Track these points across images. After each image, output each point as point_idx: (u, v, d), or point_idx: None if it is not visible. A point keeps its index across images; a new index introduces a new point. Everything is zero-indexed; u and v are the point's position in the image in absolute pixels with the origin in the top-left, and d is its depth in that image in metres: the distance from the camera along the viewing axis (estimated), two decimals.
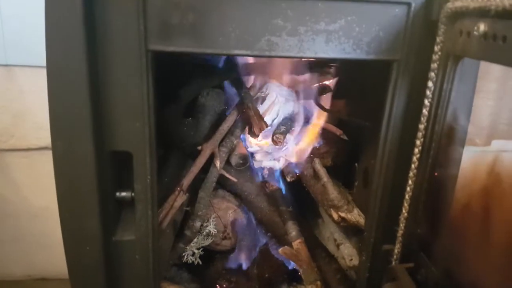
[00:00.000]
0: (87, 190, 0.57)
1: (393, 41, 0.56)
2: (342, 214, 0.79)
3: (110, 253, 0.62)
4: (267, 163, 0.92)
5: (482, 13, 0.39)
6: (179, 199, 0.77)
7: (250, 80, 0.93)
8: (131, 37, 0.52)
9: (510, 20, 0.36)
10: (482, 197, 0.75)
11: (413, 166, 0.57)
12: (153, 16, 0.51)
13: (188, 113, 0.89)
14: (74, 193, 0.57)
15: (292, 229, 0.84)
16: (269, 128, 0.84)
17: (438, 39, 0.51)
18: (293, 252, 0.81)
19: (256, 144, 0.89)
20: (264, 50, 0.55)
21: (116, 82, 0.54)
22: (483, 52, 0.41)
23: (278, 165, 0.93)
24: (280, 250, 0.81)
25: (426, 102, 0.54)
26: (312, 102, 0.92)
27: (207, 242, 0.86)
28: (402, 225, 0.59)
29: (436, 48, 0.51)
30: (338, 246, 0.88)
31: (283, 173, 0.96)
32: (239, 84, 0.90)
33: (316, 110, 0.90)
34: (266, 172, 0.95)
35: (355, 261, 0.80)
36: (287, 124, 0.87)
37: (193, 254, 0.85)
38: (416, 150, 0.56)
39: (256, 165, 0.93)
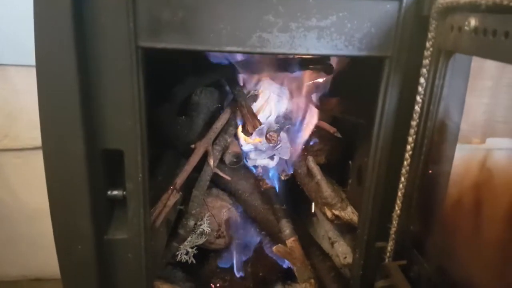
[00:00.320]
0: (78, 188, 0.57)
1: (384, 37, 0.56)
2: (336, 212, 0.79)
3: (102, 252, 0.62)
4: (260, 161, 0.92)
5: (472, 8, 0.39)
6: (172, 197, 0.76)
7: (244, 78, 0.93)
8: (120, 34, 0.51)
9: (501, 14, 0.36)
10: (475, 194, 0.75)
11: (405, 163, 0.57)
12: (143, 12, 0.51)
13: (182, 111, 0.89)
14: (65, 192, 0.57)
15: (286, 227, 0.84)
16: (262, 126, 0.83)
17: (429, 35, 0.51)
18: (287, 250, 0.80)
19: (250, 142, 0.89)
20: (256, 46, 0.54)
21: (107, 80, 0.54)
22: (474, 47, 0.41)
23: (272, 163, 0.93)
24: (274, 248, 0.81)
25: (418, 98, 0.54)
26: (306, 100, 0.91)
27: (201, 241, 0.86)
28: (395, 222, 0.59)
29: (427, 44, 0.51)
30: (332, 244, 0.88)
31: (277, 171, 0.96)
32: (232, 82, 0.90)
33: (310, 108, 0.90)
34: (260, 170, 0.95)
35: (349, 259, 0.80)
36: (281, 122, 0.87)
37: (187, 253, 0.84)
38: (409, 147, 0.56)
39: (250, 163, 0.93)
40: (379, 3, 0.54)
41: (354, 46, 0.56)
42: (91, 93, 0.54)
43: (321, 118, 0.90)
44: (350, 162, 0.85)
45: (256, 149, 0.91)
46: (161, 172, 0.83)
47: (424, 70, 0.53)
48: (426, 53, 0.52)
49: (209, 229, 0.87)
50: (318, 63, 0.88)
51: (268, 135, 0.83)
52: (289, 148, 0.90)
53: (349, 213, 0.79)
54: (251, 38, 0.54)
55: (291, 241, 0.81)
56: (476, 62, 0.58)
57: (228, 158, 0.89)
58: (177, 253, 0.84)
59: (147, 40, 0.52)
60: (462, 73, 0.58)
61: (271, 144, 0.86)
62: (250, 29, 0.53)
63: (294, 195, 0.98)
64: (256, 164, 0.94)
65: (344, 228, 0.86)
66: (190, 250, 0.85)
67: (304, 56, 0.87)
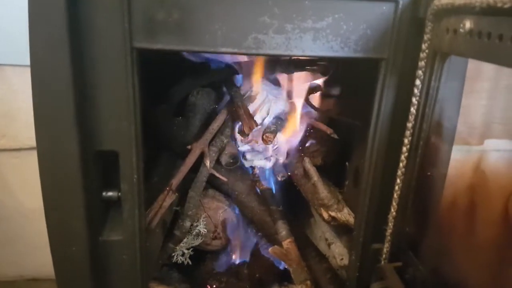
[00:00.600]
0: (73, 190, 0.57)
1: (380, 39, 0.56)
2: (332, 213, 0.79)
3: (97, 254, 0.62)
4: (257, 162, 0.92)
5: (467, 10, 0.39)
6: (168, 199, 0.76)
7: (241, 79, 0.93)
8: (115, 35, 0.51)
9: (495, 16, 0.35)
10: (472, 196, 0.75)
11: (401, 164, 0.57)
12: (138, 13, 0.51)
13: (179, 112, 0.88)
14: (60, 193, 0.57)
15: (282, 229, 0.83)
16: (259, 127, 0.83)
17: (425, 37, 0.51)
18: (283, 251, 0.80)
19: (246, 143, 0.89)
20: (251, 48, 0.54)
21: (101, 81, 0.54)
22: (469, 50, 0.41)
23: (269, 164, 0.93)
24: (270, 249, 0.81)
25: (414, 100, 0.53)
26: (302, 101, 0.91)
27: (197, 242, 0.86)
28: (390, 224, 0.59)
29: (423, 46, 0.51)
30: (329, 245, 0.87)
31: (274, 172, 0.95)
32: (229, 83, 0.90)
33: (306, 109, 0.90)
34: (256, 171, 0.95)
35: (346, 261, 0.80)
36: (278, 123, 0.87)
37: (183, 254, 0.84)
38: (404, 149, 0.56)
39: (246, 164, 0.93)
40: (375, 5, 0.54)
41: (350, 48, 0.56)
42: (86, 94, 0.54)
43: (317, 119, 0.90)
44: (347, 163, 0.84)
45: (252, 150, 0.91)
46: (157, 173, 0.83)
47: (420, 72, 0.53)
48: (422, 55, 0.52)
49: (205, 230, 0.87)
50: (315, 64, 0.88)
51: (264, 136, 0.82)
52: (285, 149, 0.90)
53: (346, 215, 0.79)
54: (246, 40, 0.54)
55: (287, 243, 0.81)
56: (474, 63, 0.58)
57: (224, 159, 0.89)
58: (173, 254, 0.84)
59: (142, 41, 0.52)
60: (458, 75, 0.58)
61: (267, 145, 0.86)
62: (246, 30, 0.53)
63: (291, 196, 0.98)
64: (253, 165, 0.93)
65: (341, 229, 0.86)
66: (186, 251, 0.84)
67: (300, 57, 0.87)
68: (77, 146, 0.54)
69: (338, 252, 0.84)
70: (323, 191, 0.79)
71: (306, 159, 0.83)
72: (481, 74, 0.95)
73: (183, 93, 0.88)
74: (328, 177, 0.87)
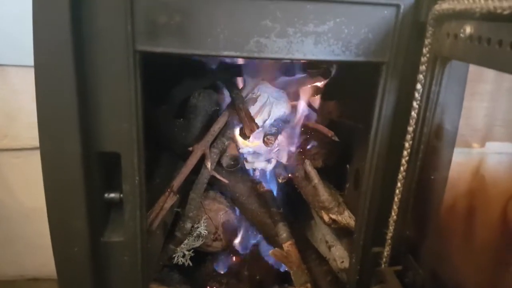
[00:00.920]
0: (75, 191, 0.57)
1: (382, 43, 0.56)
2: (333, 216, 0.79)
3: (99, 254, 0.62)
4: (258, 164, 0.92)
5: (468, 16, 0.39)
6: (169, 200, 0.76)
7: (242, 81, 0.93)
8: (118, 38, 0.51)
9: (495, 22, 0.36)
10: (473, 199, 0.75)
11: (402, 168, 0.57)
12: (141, 16, 0.51)
13: (180, 113, 0.89)
14: (62, 194, 0.57)
15: (283, 231, 0.84)
16: (260, 129, 0.84)
17: (426, 41, 0.51)
18: (283, 254, 0.80)
19: (247, 145, 0.89)
20: (253, 51, 0.54)
21: (104, 83, 0.54)
22: (469, 55, 0.41)
23: (269, 166, 0.93)
24: (270, 252, 0.81)
25: (415, 104, 0.54)
26: (303, 104, 0.91)
27: (198, 243, 0.86)
28: (391, 228, 0.59)
29: (424, 50, 0.51)
30: (329, 248, 0.88)
31: (275, 174, 0.96)
32: (231, 85, 0.90)
33: (307, 112, 0.90)
34: (257, 173, 0.95)
35: (346, 263, 0.80)
36: (278, 125, 0.87)
37: (184, 255, 0.84)
38: (405, 153, 0.56)
39: (247, 166, 0.93)
40: (376, 9, 0.54)
41: (351, 52, 0.56)
42: (89, 96, 0.54)
43: (318, 121, 0.90)
44: (347, 166, 0.85)
45: (253, 152, 0.91)
46: (159, 175, 0.83)
47: (420, 76, 0.53)
48: (423, 59, 0.52)
49: (206, 231, 0.87)
50: (316, 67, 0.88)
51: (265, 138, 0.83)
52: (286, 151, 0.90)
53: (346, 218, 0.79)
54: (248, 43, 0.54)
55: (288, 245, 0.82)
56: (476, 66, 0.58)
57: (225, 161, 0.89)
58: (173, 255, 0.84)
59: (144, 44, 0.52)
60: (459, 79, 0.58)
61: (268, 147, 0.86)
62: (248, 34, 0.53)
63: (292, 198, 0.98)
64: (254, 167, 0.94)
65: (342, 232, 0.86)
66: (186, 252, 0.85)
67: (302, 61, 0.87)
68: (80, 148, 0.55)
69: (338, 255, 0.84)
70: (323, 193, 0.79)
71: (307, 162, 0.83)
72: (483, 76, 0.95)
73: (185, 95, 0.88)
74: (329, 180, 0.87)
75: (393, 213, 0.59)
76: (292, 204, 1.01)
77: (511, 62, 0.33)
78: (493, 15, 0.34)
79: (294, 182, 0.91)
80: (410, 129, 0.55)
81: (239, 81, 0.93)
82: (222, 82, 0.92)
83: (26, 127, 1.12)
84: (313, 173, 0.81)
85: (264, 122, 0.88)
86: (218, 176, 0.88)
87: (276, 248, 0.82)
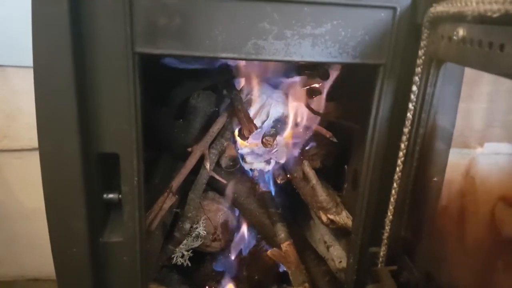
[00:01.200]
0: (74, 191, 0.57)
1: (378, 45, 0.56)
2: (331, 216, 0.79)
3: (98, 255, 0.62)
4: (257, 165, 0.93)
5: (461, 18, 0.40)
6: (168, 200, 0.77)
7: (241, 83, 0.93)
8: (117, 40, 0.52)
9: (486, 25, 0.36)
10: (471, 200, 0.75)
11: (398, 169, 0.57)
12: (139, 18, 0.51)
13: (179, 114, 0.89)
14: (61, 194, 0.57)
15: (281, 231, 0.84)
16: (258, 130, 0.84)
17: (422, 43, 0.51)
18: (281, 254, 0.81)
19: (246, 146, 0.89)
20: (251, 53, 0.55)
21: (103, 84, 0.54)
22: (462, 57, 0.42)
23: (268, 167, 0.93)
24: (268, 252, 0.82)
25: (410, 105, 0.54)
26: (302, 105, 0.92)
27: (197, 244, 0.86)
28: (387, 228, 0.60)
29: (420, 52, 0.52)
30: (328, 248, 0.88)
31: (273, 175, 0.96)
32: (230, 87, 0.91)
33: (306, 113, 0.91)
34: (256, 174, 0.95)
35: (344, 263, 0.80)
36: (277, 126, 0.88)
37: (183, 256, 0.85)
38: (401, 153, 0.56)
39: (246, 167, 0.94)
40: (373, 11, 0.55)
41: (348, 54, 0.56)
42: (88, 97, 0.54)
43: (317, 122, 0.91)
44: (345, 166, 0.85)
45: (252, 152, 0.92)
46: (158, 175, 0.84)
47: (416, 78, 0.53)
48: (419, 61, 0.52)
49: (204, 232, 0.87)
50: (315, 68, 0.89)
51: (264, 139, 0.83)
52: (285, 152, 0.91)
53: (344, 218, 0.79)
54: (246, 45, 0.54)
55: (286, 245, 0.82)
56: None
57: (224, 162, 0.90)
58: (172, 256, 0.84)
59: (143, 46, 0.53)
60: (455, 81, 0.58)
61: (267, 148, 0.86)
62: (246, 36, 0.54)
63: (292, 199, 0.99)
64: (253, 168, 0.94)
65: (340, 232, 0.87)
66: (185, 253, 0.85)
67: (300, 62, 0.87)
68: (79, 149, 0.55)
69: (336, 255, 0.84)
70: (321, 194, 0.80)
71: (305, 162, 0.83)
72: (481, 77, 0.95)
73: (184, 96, 0.89)
74: (327, 180, 0.88)
75: (389, 214, 0.59)
76: (292, 205, 1.02)
77: (501, 64, 0.34)
78: (484, 18, 0.35)
79: (293, 183, 0.91)
80: (406, 130, 0.55)
81: (238, 83, 0.93)
82: (221, 83, 0.92)
83: (26, 128, 1.13)
84: (311, 174, 0.81)
85: (263, 123, 0.88)
86: (217, 177, 0.88)
87: (274, 248, 0.83)
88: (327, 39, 0.55)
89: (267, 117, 0.88)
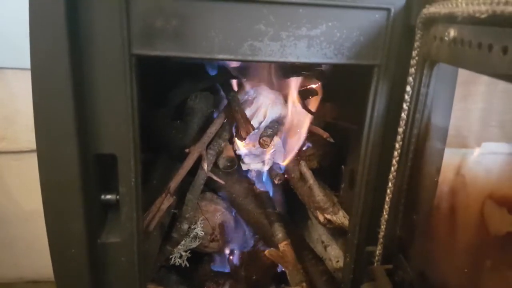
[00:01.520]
0: (72, 192, 0.57)
1: (373, 46, 0.57)
2: (328, 216, 0.80)
3: (96, 256, 0.62)
4: (254, 165, 0.93)
5: (452, 19, 0.41)
6: (166, 201, 0.77)
7: (238, 84, 0.94)
8: (114, 41, 0.52)
9: (475, 26, 0.37)
10: (466, 199, 0.76)
11: (393, 169, 0.58)
12: (136, 20, 0.52)
13: (177, 116, 0.90)
14: (59, 195, 0.58)
15: (279, 231, 0.85)
16: (256, 131, 0.85)
17: (415, 44, 0.52)
18: (279, 253, 0.81)
19: (243, 147, 0.90)
20: (247, 54, 0.55)
21: (101, 86, 0.55)
22: (453, 57, 0.42)
23: (266, 168, 0.94)
24: (266, 252, 0.82)
25: (405, 106, 0.55)
26: (299, 105, 0.92)
27: (195, 244, 0.87)
28: (383, 227, 0.60)
29: (413, 53, 0.53)
30: (325, 247, 0.89)
31: (271, 175, 0.97)
32: (227, 87, 0.91)
33: (303, 113, 0.91)
34: (253, 174, 0.96)
35: (341, 263, 0.81)
36: (274, 127, 0.88)
37: (181, 256, 0.85)
38: (396, 153, 0.57)
39: (243, 167, 0.94)
40: (367, 13, 0.56)
41: (343, 55, 0.57)
42: (85, 99, 0.55)
43: (314, 123, 0.91)
44: (342, 166, 0.86)
45: (250, 153, 0.92)
46: (156, 176, 0.84)
47: (410, 78, 0.54)
48: (412, 61, 0.53)
49: (202, 232, 0.88)
50: (311, 69, 0.89)
51: (261, 140, 0.84)
52: (282, 153, 0.91)
53: (341, 217, 0.80)
54: (242, 47, 0.55)
55: (284, 245, 0.82)
56: None
57: (222, 162, 0.90)
58: (170, 256, 0.85)
59: (140, 47, 0.53)
60: (449, 81, 0.59)
61: (264, 149, 0.87)
62: (242, 37, 0.54)
63: (290, 199, 0.99)
64: (250, 168, 0.95)
65: (337, 232, 0.87)
66: (183, 253, 0.86)
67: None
68: (77, 150, 0.55)
69: (334, 255, 0.85)
70: (318, 194, 0.80)
71: (302, 163, 0.84)
72: (478, 77, 0.96)
73: (182, 97, 0.89)
74: (325, 180, 0.88)
75: (384, 213, 0.60)
76: (289, 204, 1.02)
77: (490, 64, 0.34)
78: (473, 19, 0.35)
79: (290, 183, 0.92)
80: (400, 130, 0.56)
81: (235, 84, 0.94)
82: (219, 84, 0.93)
83: (24, 130, 1.13)
84: (308, 174, 0.82)
85: (260, 123, 0.88)
86: (215, 177, 0.89)
87: (272, 248, 0.83)
88: (322, 40, 0.56)
89: (264, 118, 0.88)
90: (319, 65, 0.88)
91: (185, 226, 0.85)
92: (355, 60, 0.57)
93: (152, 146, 0.88)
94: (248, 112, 0.87)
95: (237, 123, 0.83)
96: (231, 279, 0.93)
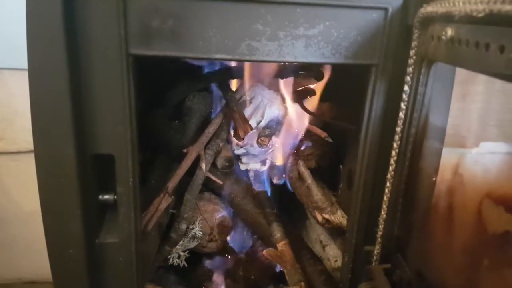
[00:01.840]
0: (70, 193, 0.57)
1: (371, 45, 0.57)
2: (326, 216, 0.80)
3: (94, 256, 0.62)
4: (252, 165, 0.93)
5: (449, 18, 0.41)
6: (164, 201, 0.77)
7: (236, 83, 0.94)
8: (112, 41, 0.52)
9: (472, 25, 0.37)
10: (464, 199, 0.76)
11: (390, 168, 0.58)
12: (133, 20, 0.52)
13: (175, 116, 0.90)
14: (57, 196, 0.58)
15: (277, 231, 0.85)
16: (254, 131, 0.85)
17: (413, 44, 0.52)
18: (277, 253, 0.81)
19: (242, 147, 0.90)
20: (245, 54, 0.55)
21: (98, 86, 0.55)
22: (450, 56, 0.42)
23: (264, 168, 0.94)
24: (264, 251, 0.82)
25: (402, 105, 0.55)
26: (297, 105, 0.92)
27: (193, 244, 0.87)
28: (381, 227, 0.60)
29: (411, 53, 0.53)
30: (324, 247, 0.89)
31: (269, 175, 0.97)
32: (225, 87, 0.91)
33: (301, 113, 0.91)
34: (252, 174, 0.96)
35: (340, 262, 0.81)
36: (272, 127, 0.88)
37: (179, 256, 0.85)
38: (393, 153, 0.57)
39: (242, 167, 0.94)
40: (365, 12, 0.56)
41: (341, 54, 0.57)
42: (83, 99, 0.55)
43: (312, 123, 0.91)
44: (340, 166, 0.86)
45: (248, 153, 0.92)
46: (154, 176, 0.84)
47: (408, 78, 0.54)
48: (410, 61, 0.53)
49: (201, 232, 0.88)
50: (310, 69, 0.90)
51: (259, 140, 0.84)
52: (281, 153, 0.91)
53: (339, 217, 0.80)
54: (240, 46, 0.55)
55: (282, 245, 0.82)
56: None
57: (220, 162, 0.90)
58: (169, 256, 0.85)
59: (137, 47, 0.53)
60: (447, 80, 0.59)
61: (263, 149, 0.87)
62: (239, 37, 0.54)
63: (289, 199, 0.99)
64: (248, 168, 0.95)
65: (336, 231, 0.87)
66: (182, 253, 0.85)
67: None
68: (74, 150, 0.55)
69: (332, 254, 0.85)
70: (317, 193, 0.80)
71: (301, 162, 0.84)
72: (476, 77, 0.96)
73: (180, 97, 0.89)
74: (323, 180, 0.89)
75: (382, 212, 0.60)
76: (288, 204, 1.02)
77: (487, 63, 0.34)
78: (470, 18, 0.35)
79: (289, 183, 0.92)
80: (398, 129, 0.56)
81: (233, 84, 0.94)
82: (217, 84, 0.93)
83: (22, 130, 1.13)
84: (306, 174, 0.82)
85: (258, 123, 0.89)
86: (213, 177, 0.89)
87: (270, 248, 0.83)
88: (320, 40, 0.56)
89: (262, 117, 0.88)
90: (317, 64, 0.88)
91: (183, 226, 0.85)
92: (353, 60, 0.57)
93: (150, 146, 0.88)
94: (246, 112, 0.87)
95: (235, 123, 0.83)
96: (230, 279, 0.93)
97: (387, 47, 0.57)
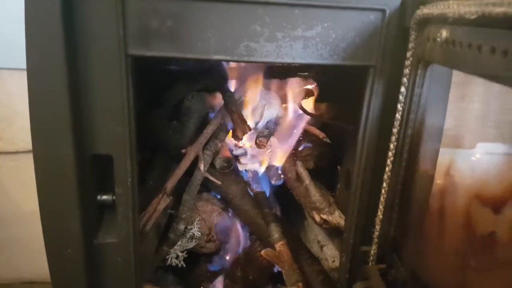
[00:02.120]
0: (68, 193, 0.57)
1: (368, 47, 0.57)
2: (324, 216, 0.80)
3: (92, 256, 0.62)
4: (251, 166, 0.93)
5: (444, 20, 0.41)
6: (162, 202, 0.77)
7: (235, 84, 0.94)
8: (110, 42, 0.52)
9: (465, 27, 0.37)
10: (460, 199, 0.76)
11: (387, 169, 0.58)
12: (132, 21, 0.52)
13: (174, 116, 0.90)
14: (55, 196, 0.58)
15: (275, 231, 0.85)
16: (252, 131, 0.85)
17: (409, 45, 0.52)
18: (275, 254, 0.81)
19: (240, 147, 0.90)
20: (243, 55, 0.56)
21: (96, 86, 0.55)
22: (445, 58, 0.43)
23: (262, 168, 0.94)
24: (262, 252, 0.82)
25: (399, 106, 0.55)
26: (295, 106, 0.93)
27: (191, 245, 0.87)
28: (378, 227, 0.60)
29: (408, 54, 0.53)
30: (321, 247, 0.89)
31: (267, 176, 0.97)
32: (224, 88, 0.92)
33: (299, 114, 0.92)
34: (250, 175, 0.96)
35: (337, 263, 0.81)
36: (271, 127, 0.88)
37: (177, 257, 0.85)
38: (390, 154, 0.57)
39: (240, 168, 0.94)
40: (363, 14, 0.56)
41: (339, 56, 0.57)
42: (81, 100, 0.55)
43: (310, 123, 0.91)
44: (338, 167, 0.86)
45: (246, 153, 0.93)
46: (152, 176, 0.84)
47: (404, 79, 0.54)
48: (407, 62, 0.53)
49: (199, 233, 0.88)
50: (308, 70, 0.90)
51: (257, 140, 0.84)
52: (279, 153, 0.92)
53: (337, 218, 0.80)
54: (238, 47, 0.55)
55: (280, 245, 0.83)
56: None
57: (218, 163, 0.90)
58: (167, 257, 0.85)
59: (136, 48, 0.53)
60: (443, 82, 0.59)
61: (261, 149, 0.87)
62: (238, 38, 0.55)
63: (287, 199, 0.99)
64: (247, 169, 0.95)
65: (333, 232, 0.87)
66: (180, 254, 0.86)
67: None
68: (73, 150, 0.55)
69: (330, 255, 0.85)
70: (314, 194, 0.80)
71: (299, 163, 0.84)
72: (473, 78, 0.96)
73: (178, 98, 0.89)
74: (321, 181, 0.89)
75: (379, 213, 0.60)
76: (286, 205, 1.03)
77: (480, 64, 0.35)
78: (463, 20, 0.36)
79: (287, 183, 0.92)
80: (395, 130, 0.56)
81: (232, 84, 0.94)
82: (216, 85, 0.93)
83: (21, 130, 1.13)
84: (304, 174, 0.82)
85: (257, 124, 0.89)
86: (211, 178, 0.89)
87: (268, 248, 0.83)
88: (318, 41, 0.56)
89: (261, 118, 0.89)
90: (315, 66, 0.89)
91: (182, 227, 0.85)
92: (351, 61, 0.58)
93: (149, 146, 0.88)
94: (244, 112, 0.88)
95: (234, 123, 0.84)
96: (228, 279, 0.94)
97: (385, 49, 0.57)
